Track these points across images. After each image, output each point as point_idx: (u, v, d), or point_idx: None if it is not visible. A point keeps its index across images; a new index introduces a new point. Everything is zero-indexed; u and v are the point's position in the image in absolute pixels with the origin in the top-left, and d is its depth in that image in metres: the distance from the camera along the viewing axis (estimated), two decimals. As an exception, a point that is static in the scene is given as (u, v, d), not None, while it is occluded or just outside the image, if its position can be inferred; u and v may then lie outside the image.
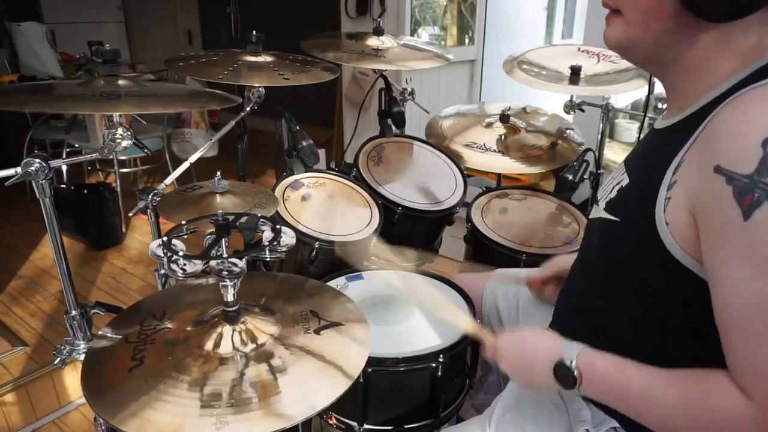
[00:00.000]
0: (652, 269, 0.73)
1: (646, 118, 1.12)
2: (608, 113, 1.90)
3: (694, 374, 0.66)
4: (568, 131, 1.81)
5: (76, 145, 3.38)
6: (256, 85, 1.40)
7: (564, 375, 0.74)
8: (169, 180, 1.31)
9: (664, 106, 0.89)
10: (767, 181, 0.56)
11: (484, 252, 1.57)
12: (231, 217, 0.87)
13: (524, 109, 1.93)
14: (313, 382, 0.77)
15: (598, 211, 0.84)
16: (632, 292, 0.78)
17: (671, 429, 0.68)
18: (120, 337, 0.86)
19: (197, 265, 0.81)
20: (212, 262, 0.81)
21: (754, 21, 0.66)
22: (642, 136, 1.01)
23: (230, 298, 0.83)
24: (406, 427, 1.06)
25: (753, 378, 0.60)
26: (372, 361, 0.95)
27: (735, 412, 0.61)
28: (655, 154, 0.74)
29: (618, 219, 0.78)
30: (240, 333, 0.84)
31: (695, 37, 0.69)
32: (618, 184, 0.82)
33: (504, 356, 0.84)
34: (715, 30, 0.68)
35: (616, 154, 3.55)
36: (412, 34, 3.03)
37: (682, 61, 0.72)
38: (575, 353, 0.74)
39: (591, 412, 0.83)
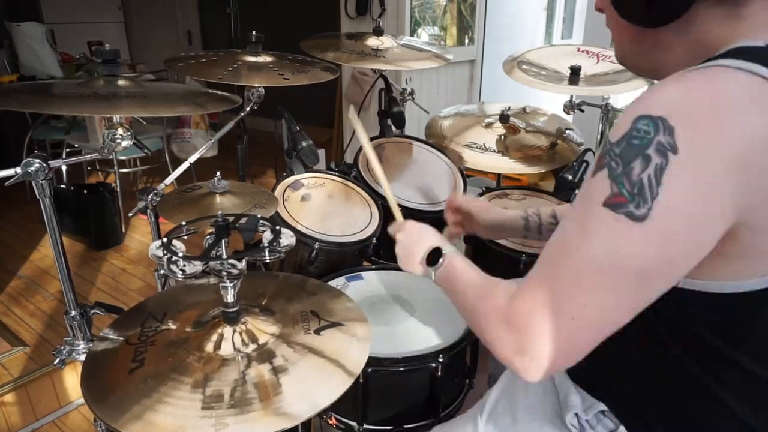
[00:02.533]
0: None
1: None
2: (608, 113, 1.90)
3: (489, 279, 0.77)
4: (567, 131, 1.81)
5: (76, 145, 3.38)
6: (256, 85, 1.40)
7: (433, 255, 0.88)
8: (168, 180, 1.30)
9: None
10: (617, 151, 0.60)
11: (484, 252, 1.57)
12: (231, 218, 0.87)
13: (524, 109, 1.93)
14: (315, 381, 0.77)
15: None
16: None
17: (466, 317, 0.80)
18: (121, 338, 0.86)
19: (197, 266, 0.81)
20: (212, 263, 0.81)
21: (713, 18, 0.67)
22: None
23: (230, 299, 0.83)
24: (405, 427, 1.06)
25: (522, 287, 0.67)
26: (372, 361, 0.95)
27: (495, 308, 0.69)
28: None
29: None
30: (241, 333, 0.84)
31: (658, 42, 0.72)
32: None
33: (404, 231, 0.98)
34: (672, 33, 0.70)
35: (615, 154, 3.54)
36: (411, 35, 3.03)
37: (661, 64, 0.75)
38: (452, 249, 0.87)
39: (580, 397, 0.84)
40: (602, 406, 0.82)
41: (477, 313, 0.73)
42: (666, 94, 0.60)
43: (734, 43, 0.64)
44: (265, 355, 0.81)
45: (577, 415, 0.82)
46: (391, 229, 1.04)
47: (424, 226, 1.00)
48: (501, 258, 1.49)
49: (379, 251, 1.56)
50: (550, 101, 2.18)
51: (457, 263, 0.85)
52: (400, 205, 1.51)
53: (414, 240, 0.95)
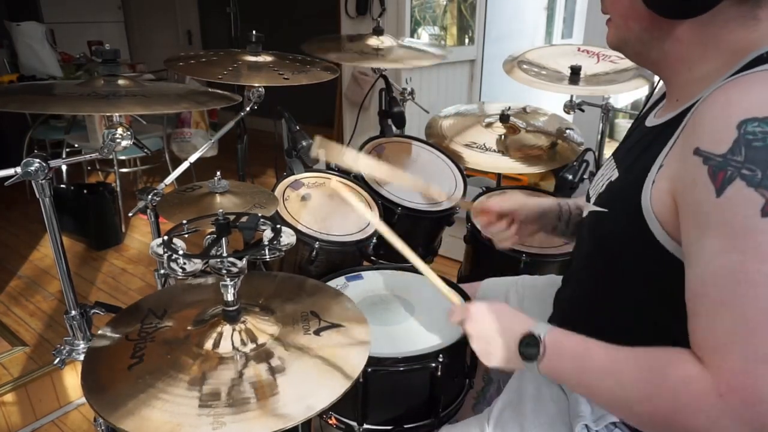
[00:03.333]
0: (639, 256, 0.74)
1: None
2: (608, 113, 1.90)
3: (653, 350, 0.65)
4: (567, 131, 1.81)
5: (76, 145, 3.38)
6: (256, 85, 1.40)
7: (529, 346, 0.74)
8: (168, 180, 1.31)
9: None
10: (739, 159, 0.58)
11: (484, 252, 1.57)
12: (231, 217, 0.87)
13: (524, 109, 1.93)
14: (312, 383, 0.77)
15: (589, 207, 0.87)
16: (622, 279, 0.80)
17: (628, 408, 0.67)
18: (120, 335, 0.86)
19: (197, 265, 0.81)
20: (212, 262, 0.81)
21: (732, 17, 0.68)
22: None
23: (230, 297, 0.83)
24: (405, 427, 1.06)
25: (710, 346, 0.60)
26: (372, 361, 0.95)
27: (689, 382, 0.60)
28: (646, 150, 0.75)
29: (606, 209, 0.80)
30: (240, 332, 0.84)
31: (672, 34, 0.73)
32: (608, 179, 0.84)
33: (474, 320, 0.84)
34: (690, 26, 0.71)
35: (615, 154, 3.55)
36: (411, 34, 3.03)
37: (669, 56, 0.75)
38: (546, 328, 0.75)
39: (590, 408, 0.83)
40: (613, 417, 0.80)
41: (652, 396, 0.62)
42: (756, 97, 0.60)
43: (749, 55, 0.66)
44: (263, 354, 0.81)
45: (587, 426, 0.81)
46: (452, 319, 0.88)
47: (495, 306, 0.83)
48: (501, 258, 1.49)
49: (379, 251, 1.56)
50: (550, 101, 2.18)
51: (569, 342, 0.73)
52: (402, 206, 1.51)
53: (496, 329, 0.80)
